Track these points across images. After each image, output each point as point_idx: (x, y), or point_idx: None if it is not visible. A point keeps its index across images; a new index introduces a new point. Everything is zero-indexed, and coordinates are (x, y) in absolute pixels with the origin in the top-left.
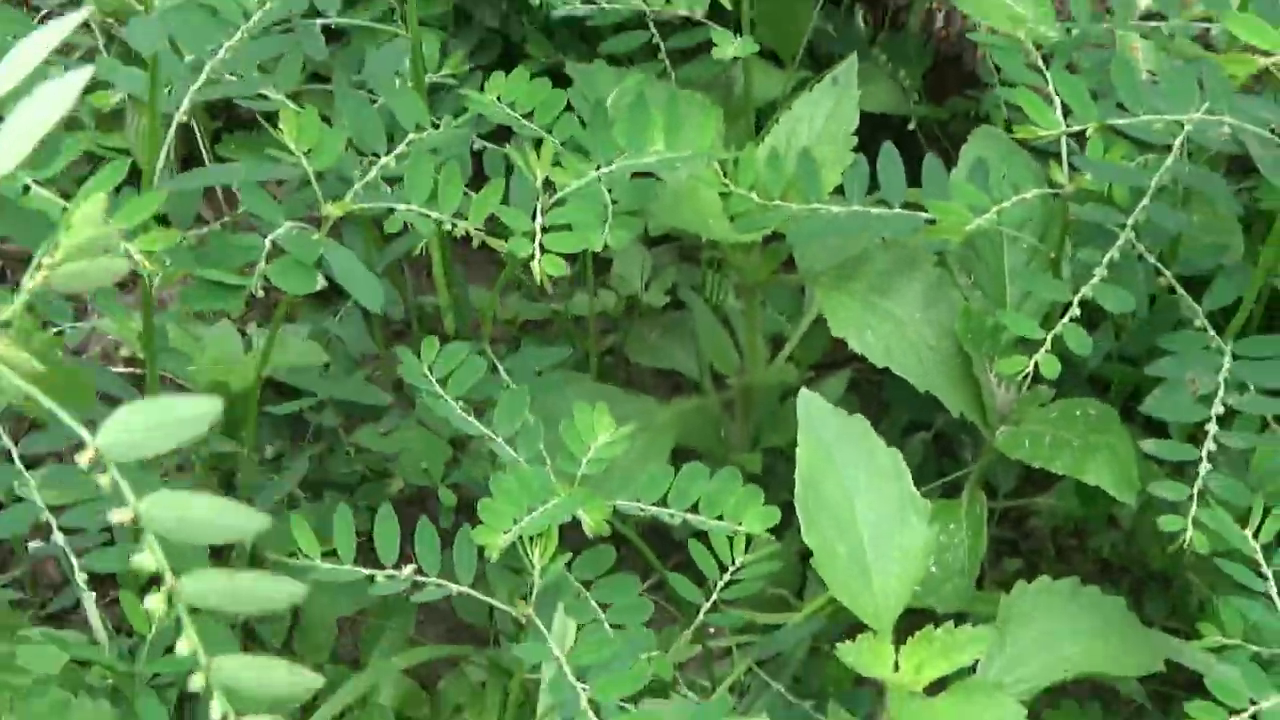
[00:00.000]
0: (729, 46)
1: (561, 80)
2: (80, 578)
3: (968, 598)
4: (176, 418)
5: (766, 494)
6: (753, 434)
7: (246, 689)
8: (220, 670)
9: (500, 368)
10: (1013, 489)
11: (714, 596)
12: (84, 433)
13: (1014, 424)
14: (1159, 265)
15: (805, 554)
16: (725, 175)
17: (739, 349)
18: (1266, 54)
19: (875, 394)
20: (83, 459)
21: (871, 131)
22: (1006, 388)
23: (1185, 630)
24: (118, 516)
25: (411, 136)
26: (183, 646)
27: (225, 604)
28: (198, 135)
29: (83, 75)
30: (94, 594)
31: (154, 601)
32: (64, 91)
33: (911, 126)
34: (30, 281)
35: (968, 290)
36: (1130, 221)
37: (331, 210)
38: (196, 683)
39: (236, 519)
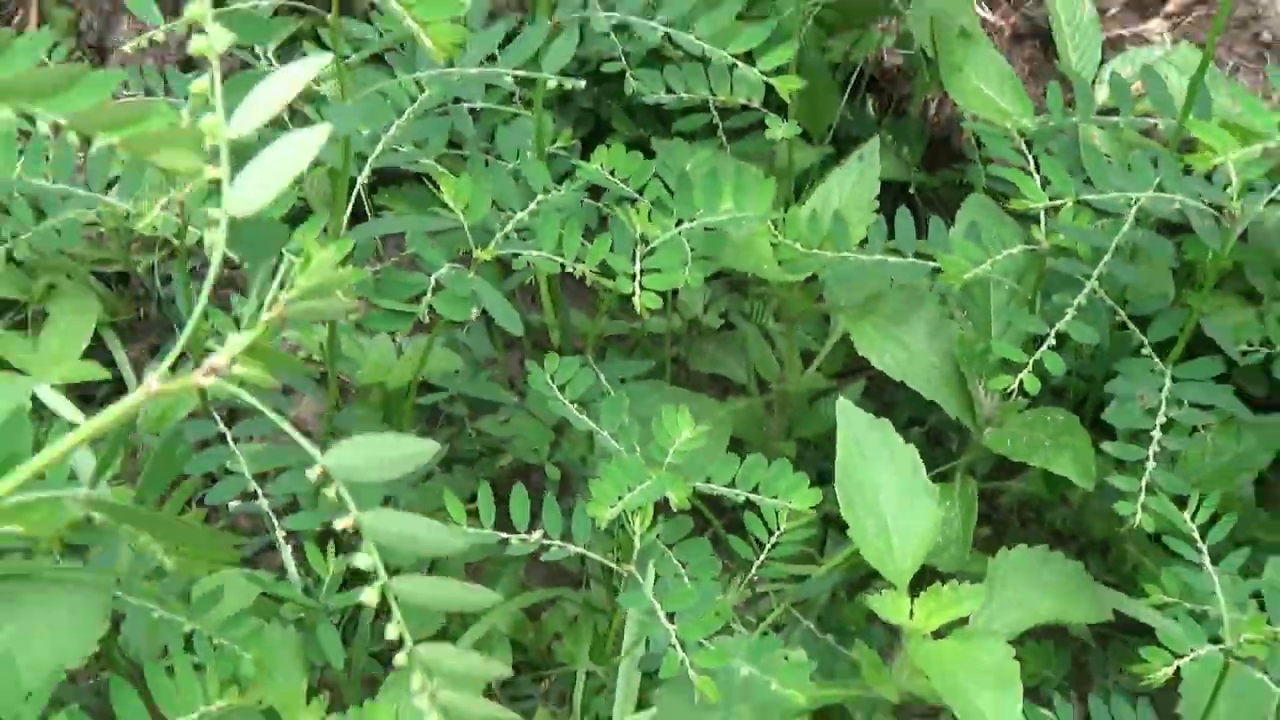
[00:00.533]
0: (778, 129)
1: (647, 152)
2: (279, 533)
3: (963, 561)
4: (396, 454)
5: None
6: (788, 427)
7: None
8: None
9: (600, 375)
10: (987, 474)
11: (762, 556)
12: (315, 452)
13: (998, 425)
14: (1115, 307)
15: (828, 520)
16: (776, 230)
17: (779, 361)
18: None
19: (883, 397)
20: (312, 473)
21: (881, 194)
22: (992, 398)
23: (1122, 586)
24: (341, 524)
25: (540, 197)
26: (392, 632)
27: (429, 603)
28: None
29: (324, 131)
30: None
31: (370, 597)
32: (311, 140)
33: (911, 191)
34: (268, 315)
35: (962, 322)
36: (1095, 273)
37: (482, 255)
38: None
39: (442, 536)
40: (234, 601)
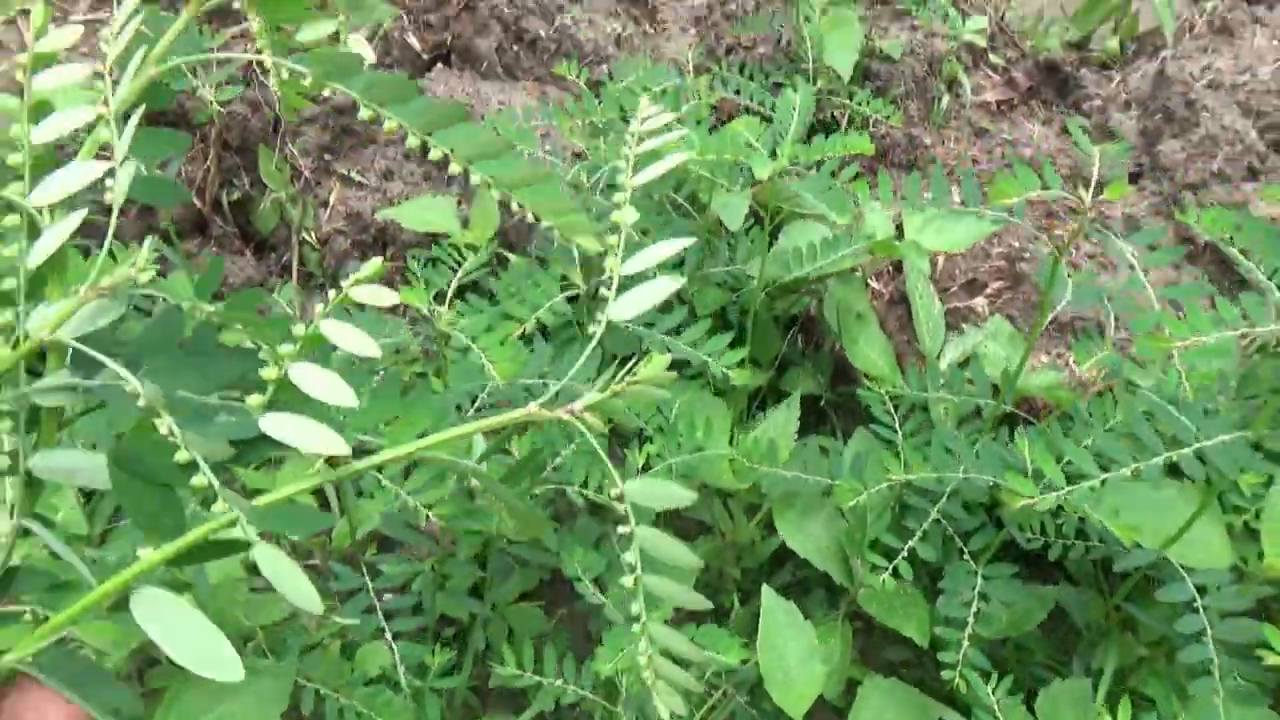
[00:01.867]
0: (738, 378)
1: None
2: None
3: (840, 685)
4: (668, 494)
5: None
6: (737, 557)
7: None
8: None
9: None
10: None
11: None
12: (616, 476)
13: (867, 587)
14: (951, 532)
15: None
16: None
17: (731, 516)
18: None
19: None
20: (613, 492)
21: (803, 405)
22: (863, 571)
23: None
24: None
25: (576, 443)
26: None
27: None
28: None
29: (676, 244)
30: None
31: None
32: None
33: (822, 404)
34: (616, 388)
35: (848, 516)
36: (935, 510)
37: (536, 489)
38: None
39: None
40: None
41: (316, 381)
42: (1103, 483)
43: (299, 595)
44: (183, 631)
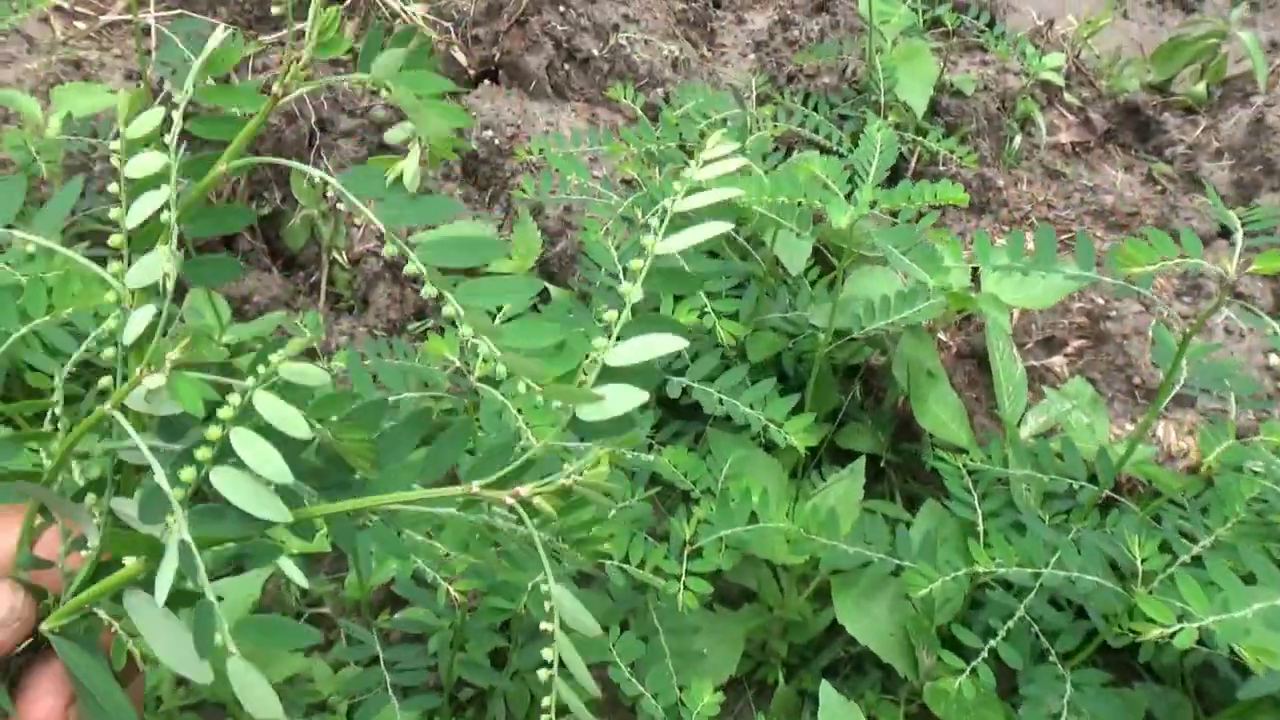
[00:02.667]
0: (797, 441)
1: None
2: None
3: None
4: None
5: None
6: (783, 631)
7: None
8: None
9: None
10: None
11: None
12: (551, 577)
13: (934, 679)
14: (1037, 631)
15: None
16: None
17: (781, 590)
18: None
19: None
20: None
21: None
22: (931, 660)
23: None
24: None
25: (620, 506)
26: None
27: None
28: None
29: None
30: None
31: None
32: None
33: (882, 464)
34: (572, 480)
35: (915, 603)
36: (1022, 606)
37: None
38: None
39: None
40: None
41: (249, 455)
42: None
43: (258, 705)
44: (164, 631)
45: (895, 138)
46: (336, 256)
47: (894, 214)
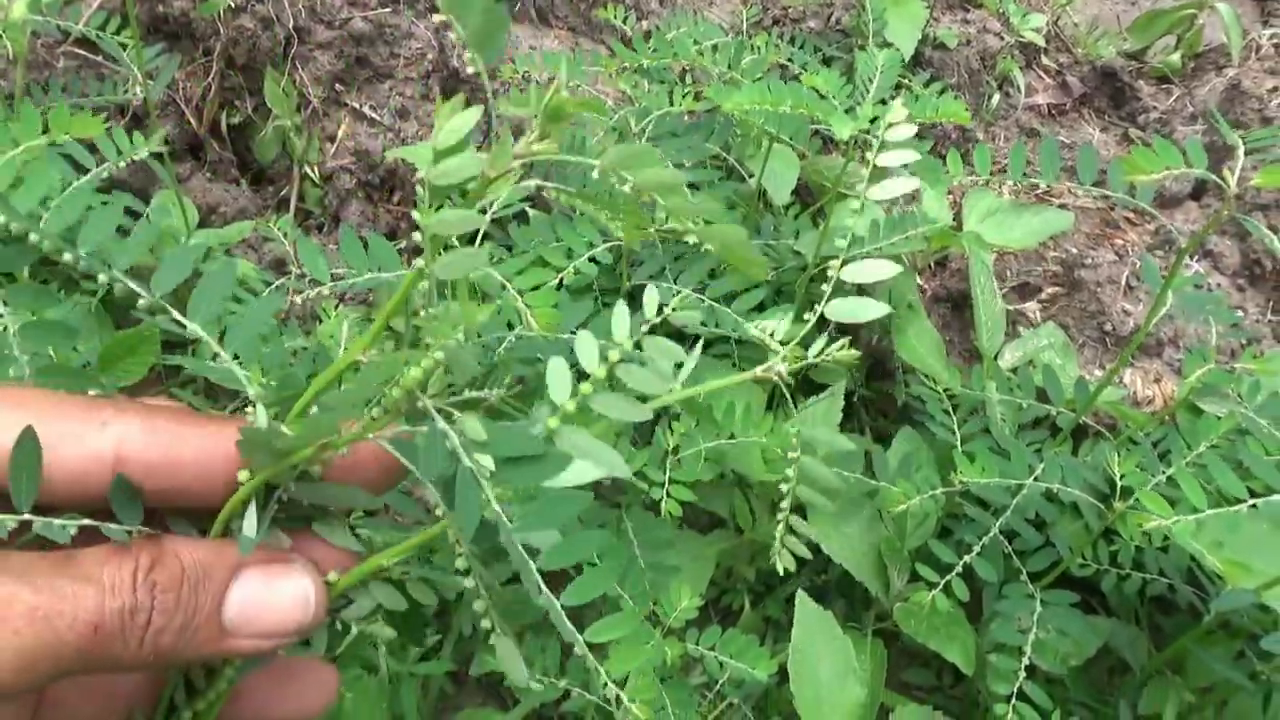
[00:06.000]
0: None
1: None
2: None
3: (872, 712)
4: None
5: None
6: (751, 558)
7: None
8: None
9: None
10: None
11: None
12: None
13: (904, 601)
14: (1009, 549)
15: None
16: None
17: (753, 514)
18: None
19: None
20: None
21: None
22: (903, 581)
23: None
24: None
25: None
26: None
27: None
28: None
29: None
30: None
31: None
32: None
33: (855, 399)
34: None
35: (888, 524)
36: (998, 524)
37: None
38: None
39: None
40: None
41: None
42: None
43: None
44: None
45: (899, 58)
46: (308, 171)
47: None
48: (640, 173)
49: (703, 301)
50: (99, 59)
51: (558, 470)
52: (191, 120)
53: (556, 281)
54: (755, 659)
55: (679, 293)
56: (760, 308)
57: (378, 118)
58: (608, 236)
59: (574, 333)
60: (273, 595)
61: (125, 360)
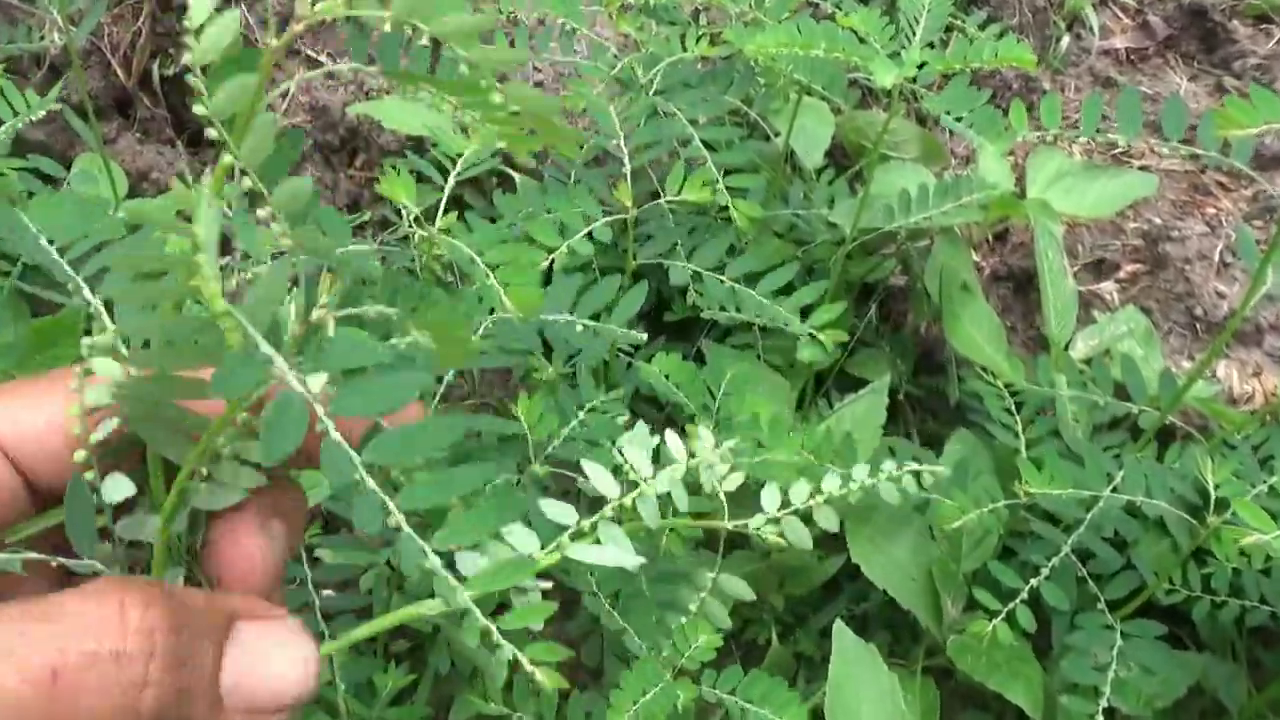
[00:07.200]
0: (806, 352)
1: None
2: None
3: None
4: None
5: None
6: (780, 583)
7: None
8: None
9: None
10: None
11: None
12: None
13: (958, 632)
14: (1083, 572)
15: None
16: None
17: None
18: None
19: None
20: None
21: None
22: (957, 610)
23: None
24: None
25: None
26: None
27: None
28: None
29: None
30: None
31: None
32: None
33: (901, 397)
34: None
35: (940, 544)
36: (1069, 542)
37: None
38: None
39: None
40: None
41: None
42: None
43: None
44: None
45: None
46: None
47: (946, 78)
48: (436, 21)
49: (721, 282)
50: (11, 0)
51: (410, 390)
52: (119, 71)
53: (547, 263)
54: (784, 704)
55: (694, 273)
56: (789, 289)
57: (337, 68)
58: (610, 209)
59: (558, 317)
60: (273, 662)
61: (48, 352)
